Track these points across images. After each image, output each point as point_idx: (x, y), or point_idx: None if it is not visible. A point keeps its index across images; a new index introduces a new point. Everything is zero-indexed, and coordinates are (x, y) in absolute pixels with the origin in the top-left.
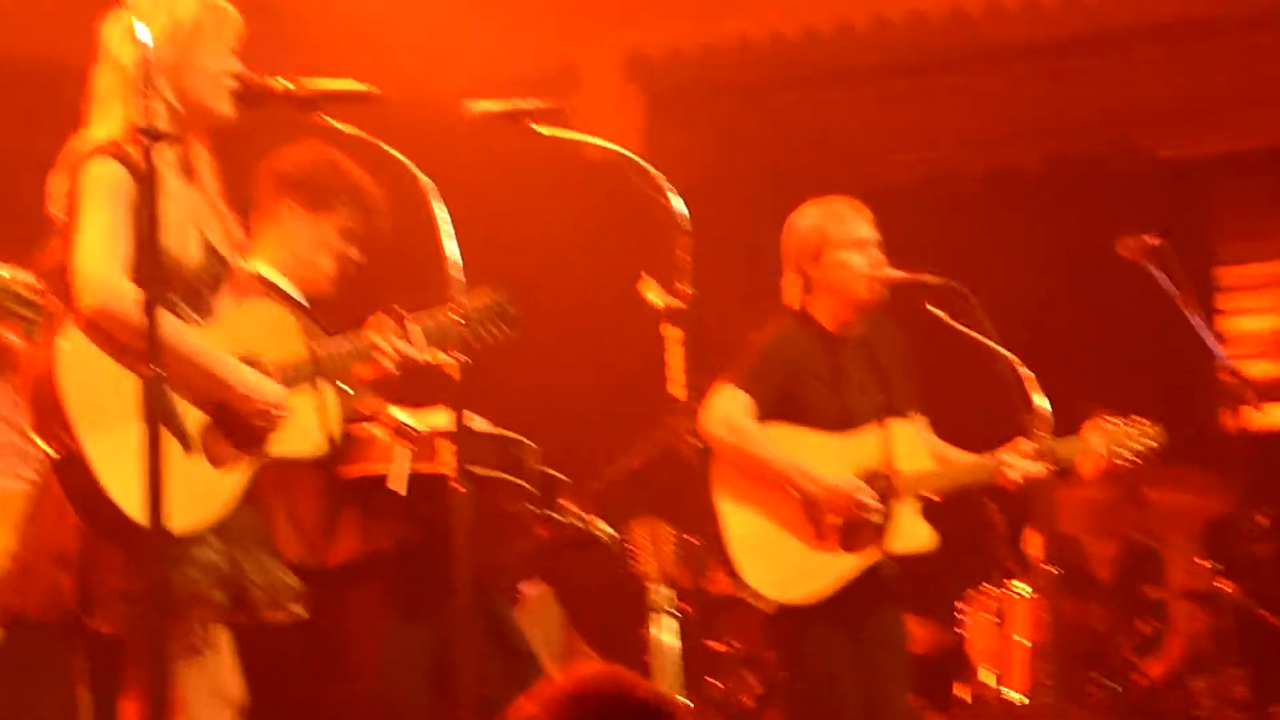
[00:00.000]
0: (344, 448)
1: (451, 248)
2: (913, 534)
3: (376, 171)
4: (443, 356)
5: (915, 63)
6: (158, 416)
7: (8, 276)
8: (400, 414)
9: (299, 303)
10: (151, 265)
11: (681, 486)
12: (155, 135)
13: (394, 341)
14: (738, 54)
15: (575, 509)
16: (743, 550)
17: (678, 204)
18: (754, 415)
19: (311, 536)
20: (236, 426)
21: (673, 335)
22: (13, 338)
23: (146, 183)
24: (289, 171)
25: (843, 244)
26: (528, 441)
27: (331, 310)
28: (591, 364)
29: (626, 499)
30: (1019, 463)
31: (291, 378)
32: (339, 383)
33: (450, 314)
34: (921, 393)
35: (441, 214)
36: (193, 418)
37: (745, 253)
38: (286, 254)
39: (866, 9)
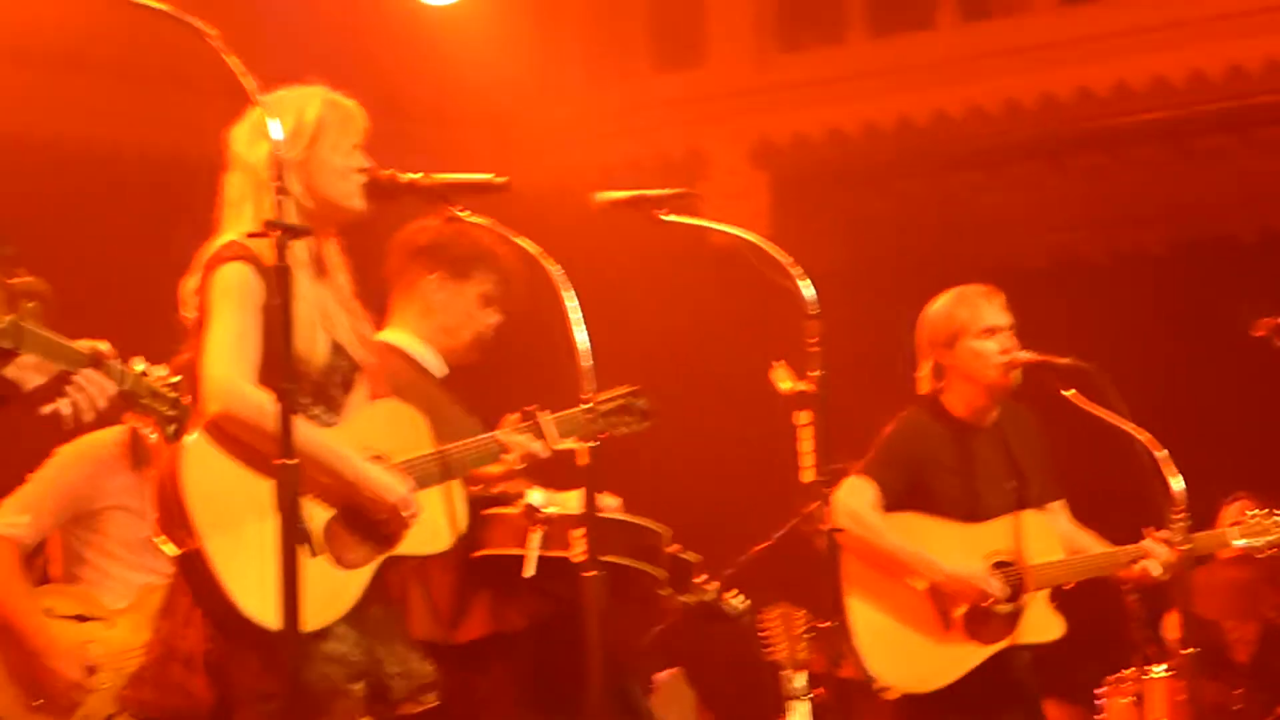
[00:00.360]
0: (477, 528)
1: (581, 336)
2: (1044, 625)
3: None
4: (573, 443)
5: (1044, 145)
6: (293, 506)
7: (144, 372)
8: (536, 495)
9: (435, 375)
10: (285, 361)
11: (812, 572)
12: (289, 231)
13: (523, 443)
14: (864, 139)
15: (707, 584)
16: (869, 639)
17: (807, 289)
18: (881, 505)
19: (444, 615)
20: (365, 526)
21: (803, 421)
22: (150, 434)
23: (281, 277)
24: (426, 243)
25: (975, 331)
26: (659, 527)
27: (471, 382)
28: (723, 449)
29: (758, 584)
30: (1156, 554)
31: (421, 477)
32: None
33: (582, 408)
34: (1057, 476)
35: (571, 302)
36: (319, 518)
37: (875, 338)
38: (427, 325)
39: (996, 92)
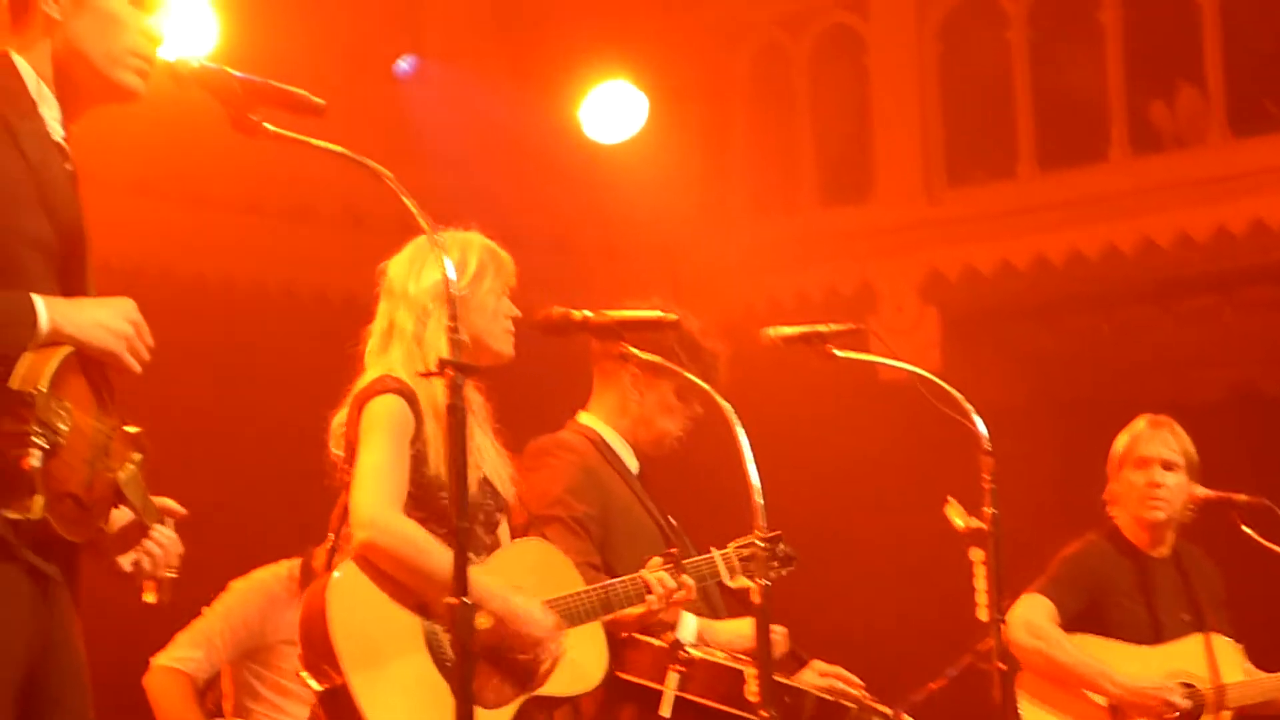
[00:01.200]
0: (622, 648)
1: (753, 471)
2: None
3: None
4: (746, 581)
5: (1217, 278)
6: (468, 644)
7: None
8: (689, 626)
9: (632, 469)
10: (460, 501)
11: (988, 710)
12: (462, 369)
13: (666, 583)
14: (1034, 273)
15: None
16: None
17: (980, 425)
18: (1057, 622)
19: None
20: (508, 664)
21: (977, 557)
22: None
23: (456, 416)
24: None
25: (1131, 461)
26: (849, 704)
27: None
28: (896, 585)
29: None
30: None
31: (567, 615)
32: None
33: (728, 551)
34: (1233, 617)
35: (743, 438)
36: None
37: (1048, 474)
38: (625, 417)
39: (1168, 226)
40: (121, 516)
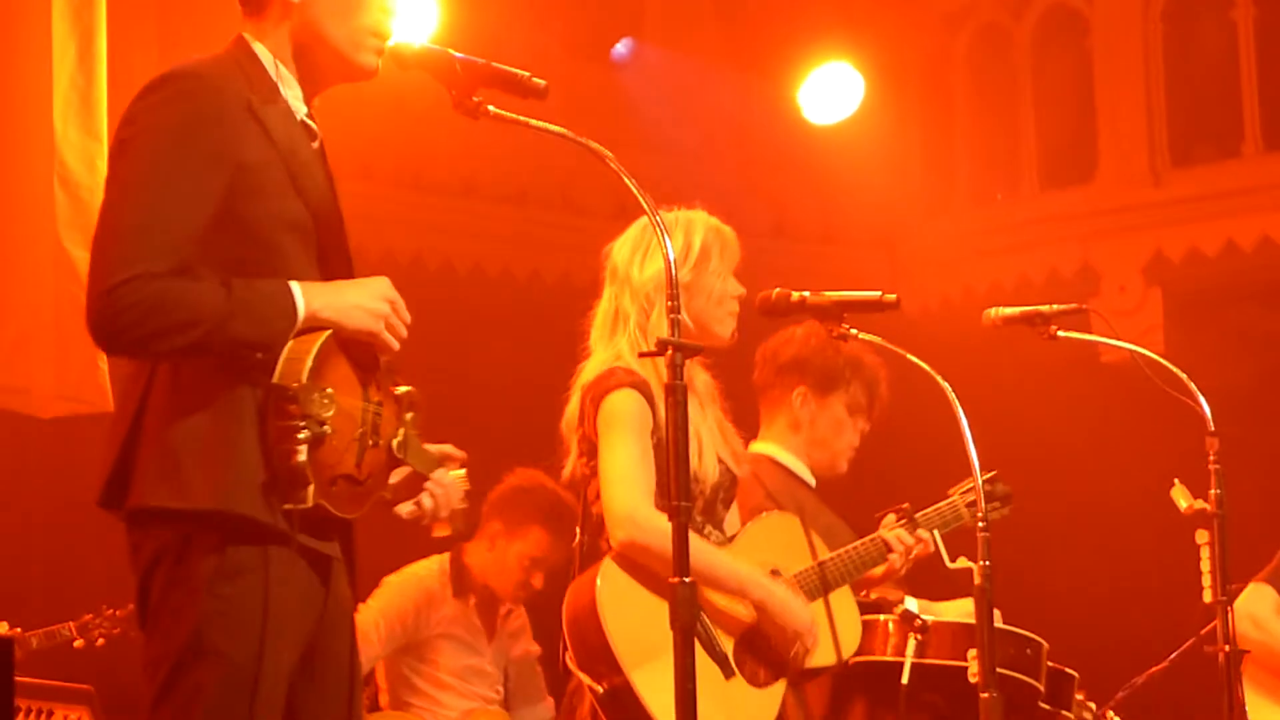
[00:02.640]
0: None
1: (973, 454)
2: None
3: (898, 380)
4: (966, 562)
5: None
6: (690, 622)
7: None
8: (911, 603)
9: (811, 486)
10: (680, 479)
11: (1210, 695)
12: (683, 349)
13: (905, 540)
14: (1259, 254)
15: (1086, 702)
16: None
17: (1205, 406)
18: None
19: None
20: (764, 648)
21: (1202, 539)
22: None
23: (677, 395)
24: (790, 358)
25: None
26: (1039, 639)
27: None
28: (1119, 567)
29: (1155, 709)
30: None
31: (810, 590)
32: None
33: (946, 502)
34: None
35: (963, 420)
36: (725, 641)
37: (1274, 456)
38: (798, 438)
39: None
40: (399, 473)
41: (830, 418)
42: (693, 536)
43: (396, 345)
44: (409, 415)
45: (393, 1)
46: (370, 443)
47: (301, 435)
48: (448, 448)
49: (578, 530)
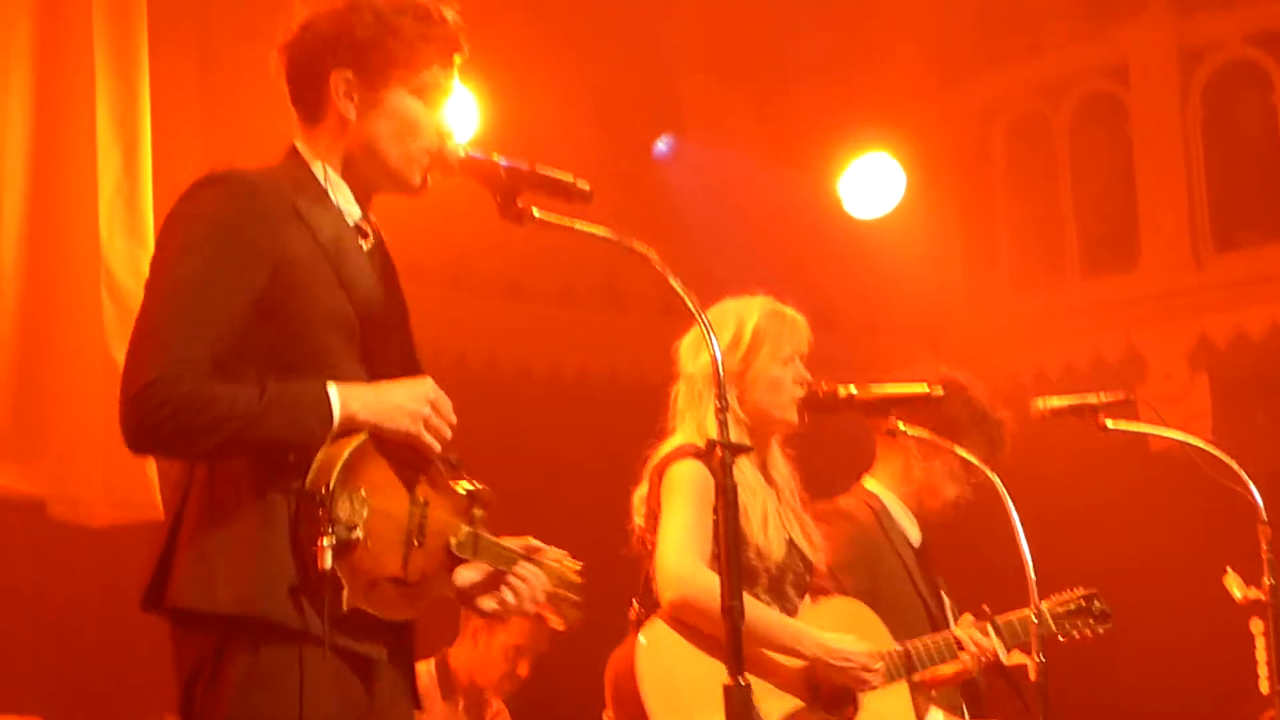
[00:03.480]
0: None
1: (1024, 545)
2: None
3: None
4: (1022, 657)
5: None
6: None
7: (558, 560)
8: (937, 716)
9: (906, 537)
10: (731, 578)
11: None
12: (731, 449)
13: (980, 640)
14: None
15: None
16: None
17: (1256, 493)
18: None
19: None
20: (829, 700)
21: (1257, 629)
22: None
23: (726, 496)
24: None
25: None
26: None
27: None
28: (1173, 657)
29: None
30: None
31: (892, 670)
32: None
33: (1033, 611)
34: None
35: (1013, 511)
36: (781, 708)
37: None
38: (909, 484)
39: None
40: (475, 571)
41: (944, 464)
42: (751, 602)
43: (439, 447)
44: (478, 513)
45: (447, 124)
46: (415, 543)
47: (326, 541)
48: (531, 540)
49: (634, 601)
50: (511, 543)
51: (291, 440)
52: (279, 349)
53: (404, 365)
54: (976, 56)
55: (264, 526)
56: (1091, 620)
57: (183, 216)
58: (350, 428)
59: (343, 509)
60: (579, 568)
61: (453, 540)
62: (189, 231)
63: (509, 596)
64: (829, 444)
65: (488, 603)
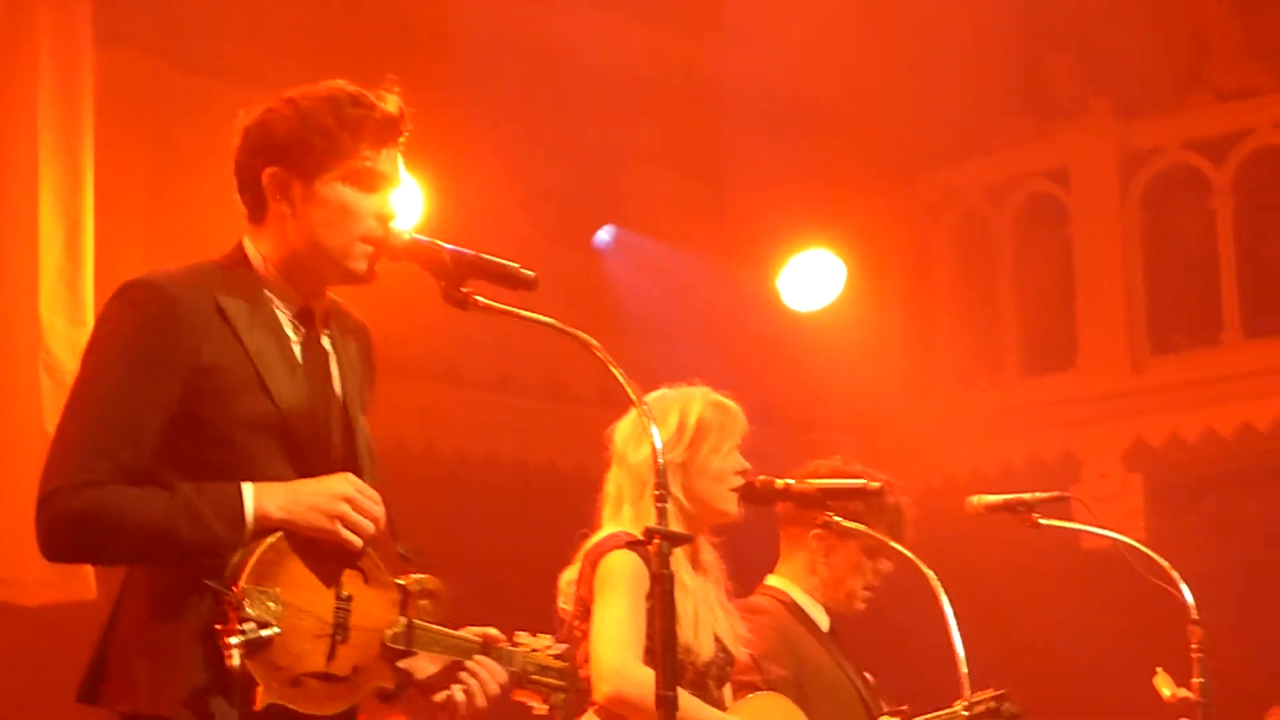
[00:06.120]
0: None
1: (957, 639)
2: None
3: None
4: None
5: None
6: None
7: (533, 648)
8: None
9: (819, 627)
10: (667, 670)
11: None
12: (670, 538)
13: None
14: (1239, 441)
15: None
16: None
17: (1187, 594)
18: None
19: None
20: None
21: None
22: (536, 706)
23: (663, 585)
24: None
25: None
26: None
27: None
28: None
29: None
30: None
31: None
32: None
33: (956, 709)
34: None
35: (947, 606)
36: None
37: (1256, 644)
38: (814, 576)
39: None
40: (431, 663)
41: (847, 558)
42: (685, 698)
43: (359, 543)
44: (424, 604)
45: (386, 209)
46: (338, 638)
47: (235, 640)
48: (490, 630)
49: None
50: (470, 633)
51: (202, 545)
52: (202, 455)
53: (346, 461)
54: (922, 155)
55: (182, 625)
56: None
57: (98, 330)
58: (265, 527)
59: (254, 607)
60: (561, 651)
61: (388, 633)
62: (102, 349)
63: (457, 693)
64: (739, 544)
65: (438, 695)
